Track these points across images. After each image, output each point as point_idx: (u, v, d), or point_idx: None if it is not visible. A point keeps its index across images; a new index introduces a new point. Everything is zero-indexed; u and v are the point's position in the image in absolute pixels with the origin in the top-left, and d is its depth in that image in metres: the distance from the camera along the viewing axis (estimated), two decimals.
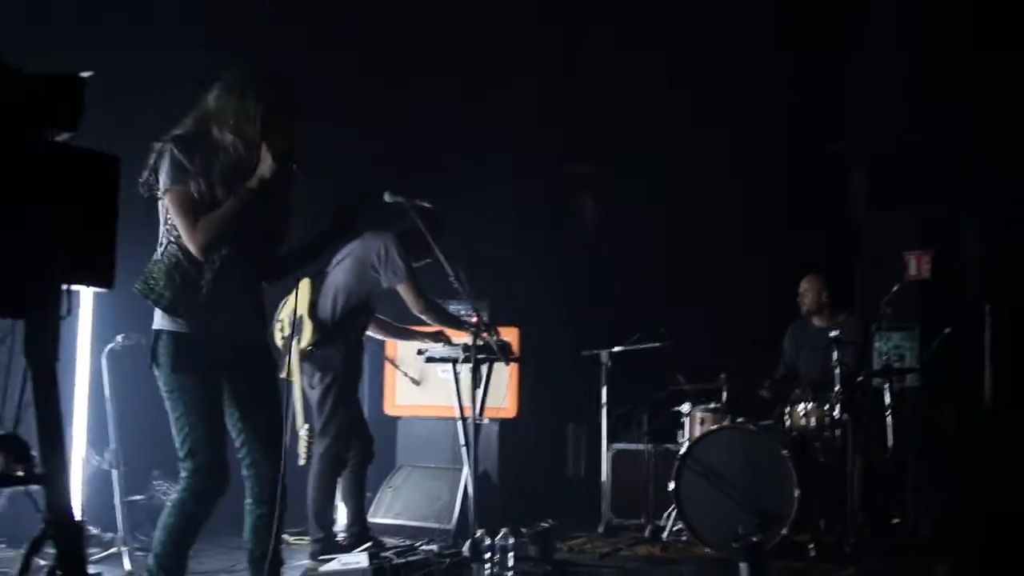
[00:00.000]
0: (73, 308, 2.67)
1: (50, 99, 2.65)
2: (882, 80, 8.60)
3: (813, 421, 6.56)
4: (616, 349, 7.22)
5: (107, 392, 5.81)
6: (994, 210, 8.08)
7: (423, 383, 7.40)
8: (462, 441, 6.01)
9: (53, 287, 2.60)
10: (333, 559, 5.25)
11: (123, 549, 5.69)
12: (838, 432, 6.34)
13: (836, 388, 6.32)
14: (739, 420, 6.51)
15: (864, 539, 6.18)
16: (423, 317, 6.09)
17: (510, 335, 6.58)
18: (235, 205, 3.75)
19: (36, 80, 2.65)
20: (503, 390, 6.75)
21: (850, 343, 6.66)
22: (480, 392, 5.94)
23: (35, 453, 2.59)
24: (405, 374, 7.42)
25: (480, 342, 5.81)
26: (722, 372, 6.84)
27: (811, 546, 6.05)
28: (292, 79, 4.01)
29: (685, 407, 6.89)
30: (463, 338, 5.96)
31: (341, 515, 6.33)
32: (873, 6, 8.66)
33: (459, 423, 6.07)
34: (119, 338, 5.83)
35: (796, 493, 6.00)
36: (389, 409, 7.60)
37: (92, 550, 5.76)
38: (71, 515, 2.62)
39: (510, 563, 5.60)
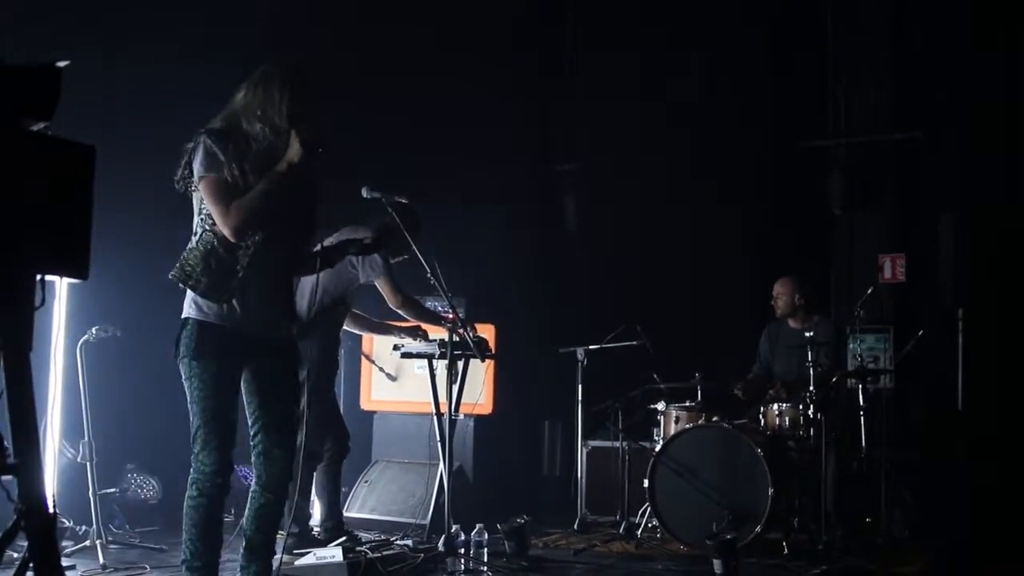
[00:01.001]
0: (47, 298, 2.66)
1: (25, 89, 2.64)
2: (862, 80, 8.64)
3: (787, 421, 6.61)
4: (592, 347, 7.23)
5: (82, 385, 5.79)
6: (970, 213, 8.14)
7: (399, 379, 7.41)
8: (438, 437, 6.02)
9: (27, 277, 2.60)
10: (308, 553, 5.24)
11: (97, 542, 5.67)
12: (812, 432, 6.38)
13: (810, 388, 6.36)
14: (714, 419, 6.54)
15: (837, 538, 6.23)
16: (400, 312, 6.11)
17: (487, 331, 6.59)
18: (265, 187, 3.87)
19: (11, 70, 2.64)
20: (479, 386, 6.75)
21: (824, 344, 6.70)
22: (456, 388, 5.96)
23: (8, 445, 2.59)
24: (381, 369, 7.43)
25: (456, 338, 5.82)
26: (697, 371, 6.87)
27: (784, 544, 6.08)
28: (310, 69, 4.14)
29: (660, 405, 6.91)
30: (440, 334, 5.97)
31: (316, 510, 6.33)
32: (857, 4, 8.70)
33: (435, 419, 6.09)
34: (93, 330, 5.81)
35: (770, 491, 6.03)
36: (365, 404, 7.61)
37: (66, 543, 5.75)
38: (44, 505, 2.61)
39: (484, 558, 5.62)
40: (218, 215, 3.83)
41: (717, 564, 5.38)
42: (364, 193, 5.61)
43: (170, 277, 3.90)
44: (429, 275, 5.62)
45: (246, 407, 4.08)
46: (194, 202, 3.98)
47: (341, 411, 6.48)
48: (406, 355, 6.27)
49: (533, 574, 5.63)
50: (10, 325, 2.56)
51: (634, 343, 7.09)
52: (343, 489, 6.46)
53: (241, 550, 4.12)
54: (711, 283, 8.42)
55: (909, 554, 6.23)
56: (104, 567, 5.45)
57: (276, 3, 7.13)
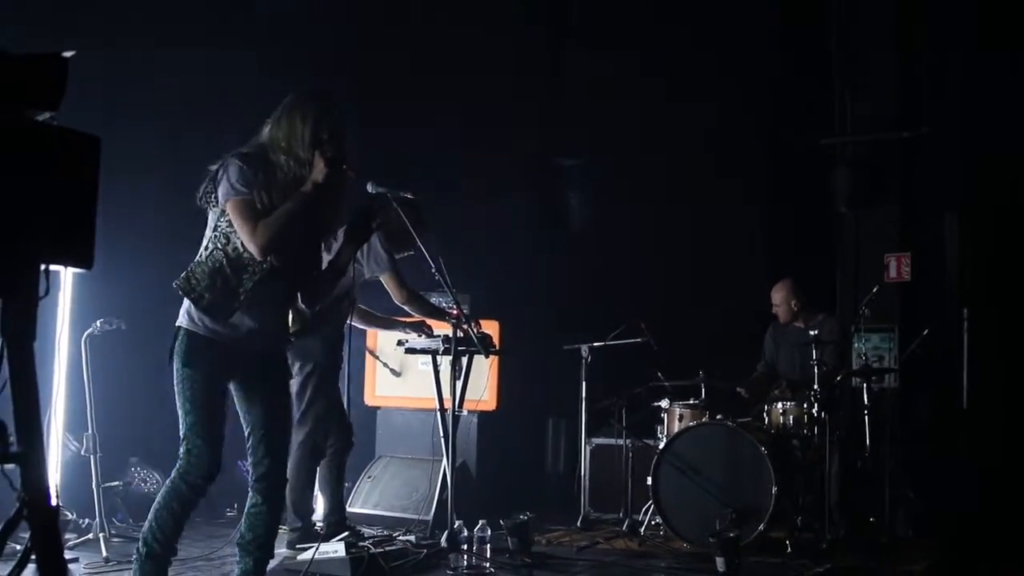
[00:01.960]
0: (52, 288, 2.66)
1: (31, 78, 2.63)
2: (868, 78, 8.61)
3: (792, 419, 6.60)
4: (596, 344, 7.22)
5: (86, 377, 5.79)
6: (975, 212, 8.12)
7: (403, 374, 7.41)
8: (441, 433, 6.02)
9: (31, 266, 2.59)
10: (311, 548, 5.24)
11: (100, 535, 5.67)
12: (816, 430, 6.37)
13: (815, 387, 6.35)
14: (718, 417, 6.53)
15: (840, 537, 6.22)
16: (405, 307, 6.10)
17: (491, 328, 6.59)
18: (291, 208, 3.93)
19: (17, 59, 2.63)
20: (483, 382, 6.75)
21: (829, 343, 6.68)
22: (460, 384, 5.95)
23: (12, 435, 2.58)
24: (385, 365, 7.43)
25: (460, 334, 5.82)
26: (701, 369, 6.86)
27: (788, 542, 6.07)
28: (331, 92, 4.22)
29: (664, 402, 6.90)
30: (444, 329, 5.96)
31: (319, 504, 6.33)
32: (862, 2, 8.67)
33: (438, 415, 6.08)
34: (98, 323, 5.82)
35: (774, 490, 6.02)
36: (369, 400, 7.60)
37: (69, 536, 5.76)
38: (47, 495, 2.61)
39: (487, 555, 5.61)
40: (245, 235, 3.88)
41: (720, 562, 5.39)
42: (369, 188, 5.58)
43: (174, 286, 3.96)
44: (434, 271, 5.62)
45: (241, 418, 4.14)
46: (210, 218, 4.02)
47: (345, 406, 6.48)
48: (410, 351, 6.27)
49: (536, 571, 5.62)
50: (14, 314, 2.56)
51: (638, 340, 7.08)
52: (346, 484, 6.46)
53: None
54: (716, 280, 8.40)
55: (913, 553, 6.23)
56: (107, 560, 5.47)
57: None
